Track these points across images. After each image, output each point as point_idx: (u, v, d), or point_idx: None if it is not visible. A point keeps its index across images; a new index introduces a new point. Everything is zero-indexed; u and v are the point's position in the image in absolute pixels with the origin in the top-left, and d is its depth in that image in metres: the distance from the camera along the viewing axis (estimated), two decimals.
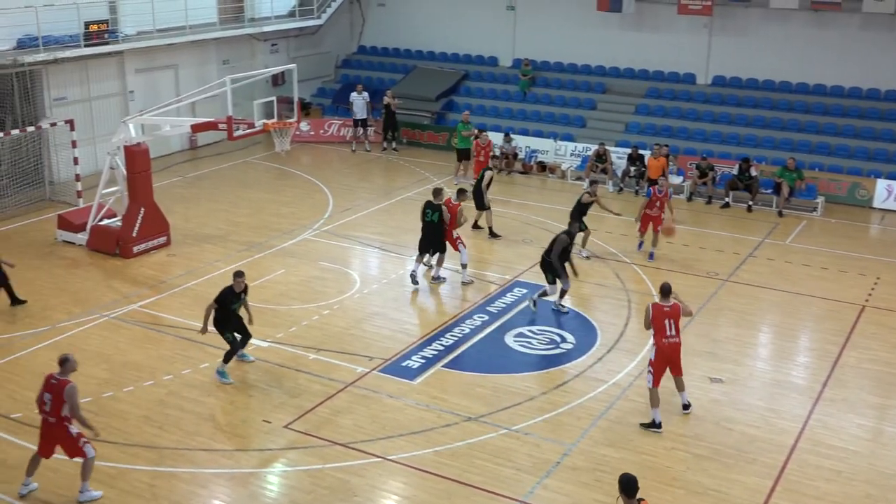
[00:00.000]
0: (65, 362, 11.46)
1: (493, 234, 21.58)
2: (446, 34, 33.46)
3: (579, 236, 19.26)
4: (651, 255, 20.33)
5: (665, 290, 13.34)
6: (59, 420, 11.31)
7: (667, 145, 25.01)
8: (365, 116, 29.67)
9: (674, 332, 13.23)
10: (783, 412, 13.97)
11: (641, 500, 9.22)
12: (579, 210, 19.56)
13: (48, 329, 16.43)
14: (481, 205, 21.48)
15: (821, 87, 27.64)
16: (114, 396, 14.11)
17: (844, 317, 17.47)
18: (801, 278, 19.50)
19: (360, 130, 29.81)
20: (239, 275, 14.47)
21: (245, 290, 14.61)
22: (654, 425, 13.29)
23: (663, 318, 13.17)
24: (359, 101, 29.52)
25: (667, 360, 13.30)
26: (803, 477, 12.28)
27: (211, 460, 12.39)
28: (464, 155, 26.27)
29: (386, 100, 29.28)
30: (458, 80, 32.29)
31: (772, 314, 17.95)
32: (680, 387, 13.69)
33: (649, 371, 13.34)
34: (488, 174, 21.62)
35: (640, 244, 20.77)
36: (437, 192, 18.63)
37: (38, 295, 17.87)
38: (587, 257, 19.84)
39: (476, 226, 21.93)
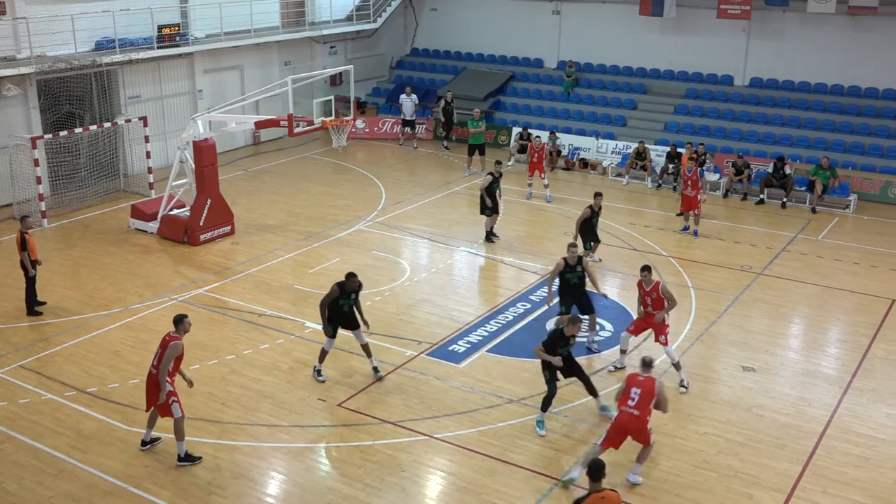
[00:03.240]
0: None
1: (491, 235, 20.53)
2: (494, 37, 33.32)
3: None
4: (695, 234, 21.16)
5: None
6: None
7: (702, 144, 25.01)
8: (413, 118, 29.74)
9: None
10: (813, 400, 13.72)
11: (605, 488, 8.89)
12: (590, 225, 18.38)
13: (121, 310, 16.69)
14: (493, 209, 20.05)
15: (855, 89, 27.02)
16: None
17: (875, 310, 17.08)
18: (832, 272, 19.12)
19: (408, 129, 29.89)
20: None
21: None
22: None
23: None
24: (407, 103, 29.62)
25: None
26: (832, 463, 12.06)
27: (269, 435, 12.52)
28: (473, 150, 26.12)
29: (444, 100, 29.14)
30: (506, 81, 32.15)
31: (803, 306, 17.62)
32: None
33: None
34: (487, 178, 19.92)
35: (686, 227, 21.44)
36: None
37: (113, 279, 18.20)
38: (599, 260, 19.04)
39: (492, 234, 20.51)
